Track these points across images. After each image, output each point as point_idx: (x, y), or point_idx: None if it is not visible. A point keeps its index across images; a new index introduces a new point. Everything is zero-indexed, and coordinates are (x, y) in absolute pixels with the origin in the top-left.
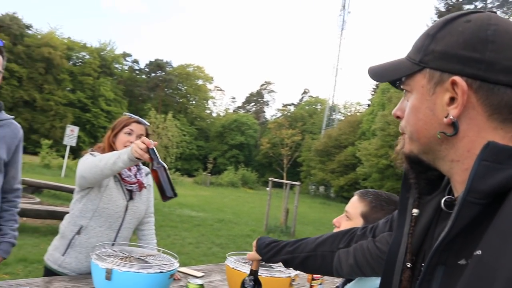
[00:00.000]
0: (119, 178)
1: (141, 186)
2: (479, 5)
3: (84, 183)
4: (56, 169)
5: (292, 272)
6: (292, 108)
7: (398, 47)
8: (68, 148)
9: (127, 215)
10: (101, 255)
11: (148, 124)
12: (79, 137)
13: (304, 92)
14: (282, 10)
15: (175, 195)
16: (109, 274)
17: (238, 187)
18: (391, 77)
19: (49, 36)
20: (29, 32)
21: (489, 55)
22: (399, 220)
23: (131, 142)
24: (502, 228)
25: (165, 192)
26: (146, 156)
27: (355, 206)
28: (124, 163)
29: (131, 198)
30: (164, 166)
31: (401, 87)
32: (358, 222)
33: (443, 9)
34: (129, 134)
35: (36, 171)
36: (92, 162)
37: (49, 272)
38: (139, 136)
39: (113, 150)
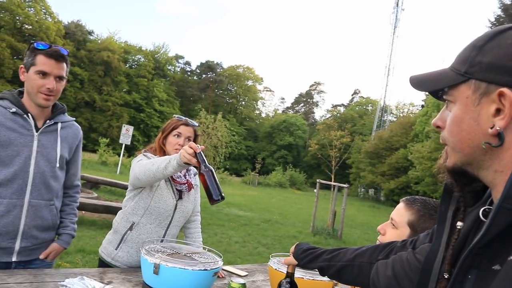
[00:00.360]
0: (170, 178)
1: (190, 186)
2: None
3: (138, 184)
4: (112, 166)
5: None
6: (342, 109)
7: (453, 47)
8: (123, 147)
9: (176, 214)
10: (150, 251)
11: (197, 124)
12: (133, 136)
13: (355, 93)
14: (332, 9)
15: (222, 198)
16: (156, 269)
17: (286, 188)
18: (434, 86)
19: (108, 41)
20: (91, 37)
21: None
22: (438, 230)
23: (180, 145)
24: None
25: (212, 196)
26: (194, 160)
27: (402, 214)
28: (174, 168)
29: (180, 197)
30: (211, 170)
31: (444, 97)
32: (405, 231)
33: (508, 1)
34: (178, 136)
35: (95, 167)
36: (146, 165)
37: (103, 264)
38: (187, 138)
39: (164, 151)
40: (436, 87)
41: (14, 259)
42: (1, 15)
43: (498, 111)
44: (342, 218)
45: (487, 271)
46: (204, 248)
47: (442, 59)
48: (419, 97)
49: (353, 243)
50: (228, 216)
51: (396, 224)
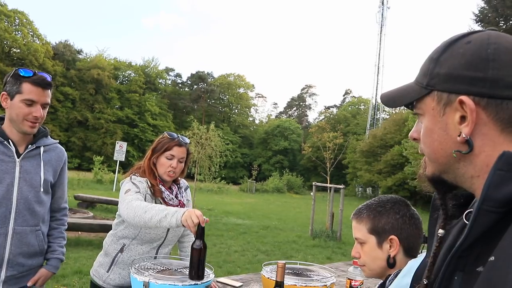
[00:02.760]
0: (161, 201)
1: (182, 206)
2: None
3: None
4: (108, 183)
5: (328, 281)
6: (334, 110)
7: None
8: (118, 163)
9: (169, 234)
10: (139, 269)
11: (188, 141)
12: (128, 151)
13: (346, 93)
14: (319, 11)
15: (200, 278)
16: (146, 287)
17: (284, 193)
18: (402, 102)
19: (97, 59)
20: (80, 56)
21: (492, 73)
22: (429, 243)
23: (173, 167)
24: None
25: (191, 273)
26: (194, 230)
27: (360, 228)
28: (170, 225)
29: None
30: (203, 248)
31: (414, 111)
32: (372, 240)
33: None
34: (171, 158)
35: (90, 186)
36: (136, 210)
37: (95, 287)
38: (180, 160)
39: (154, 172)
40: (404, 102)
41: None
42: None
43: (463, 118)
44: (340, 219)
45: (472, 273)
46: None
47: (430, 52)
48: None
49: (352, 243)
50: (226, 226)
51: (362, 239)
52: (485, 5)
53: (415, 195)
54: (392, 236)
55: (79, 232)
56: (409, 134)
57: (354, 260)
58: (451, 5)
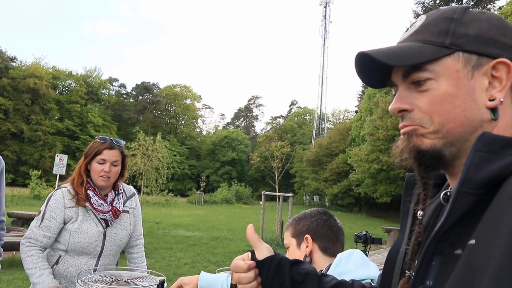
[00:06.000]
0: (91, 207)
1: (116, 213)
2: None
3: None
4: None
5: None
6: (281, 121)
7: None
8: (58, 177)
9: (106, 243)
10: (86, 281)
11: (123, 143)
12: (69, 165)
13: (292, 104)
14: (265, 24)
15: None
16: None
17: (233, 203)
18: (414, 59)
19: (34, 67)
20: (14, 64)
21: None
22: (402, 225)
23: (105, 171)
24: (494, 217)
25: None
26: None
27: (286, 235)
28: None
29: (108, 225)
30: None
31: (416, 74)
32: (293, 242)
33: (420, 12)
34: (102, 163)
35: (26, 203)
36: (25, 260)
37: None
38: (113, 164)
39: (83, 178)
40: (417, 60)
41: None
42: None
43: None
44: None
45: (450, 256)
46: (147, 272)
47: None
48: (352, 103)
49: None
50: (175, 238)
51: (287, 244)
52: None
53: (360, 201)
54: (307, 235)
55: (13, 252)
56: (392, 107)
57: None
58: (389, 21)
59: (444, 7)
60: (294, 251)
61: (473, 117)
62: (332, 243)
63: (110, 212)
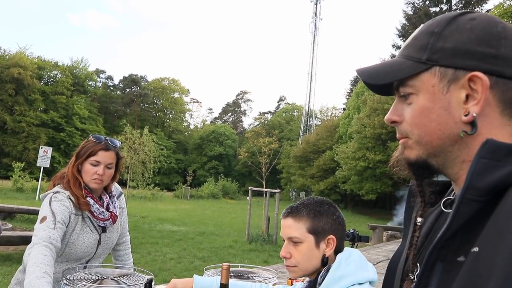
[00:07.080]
0: (89, 215)
1: (114, 219)
2: (444, 7)
3: None
4: (30, 192)
5: (270, 282)
6: (269, 116)
7: (370, 50)
8: (42, 170)
9: (99, 248)
10: (72, 280)
11: (118, 144)
12: (53, 157)
13: (280, 100)
14: (255, 19)
15: None
16: None
17: (219, 198)
18: (392, 77)
19: (18, 57)
20: None
21: (505, 51)
22: (405, 230)
23: (99, 174)
24: (498, 225)
25: None
26: None
27: (298, 227)
28: None
29: (103, 231)
30: None
31: (400, 89)
32: (310, 239)
33: (410, 12)
34: (96, 165)
35: (8, 195)
36: (28, 267)
37: None
38: (108, 166)
39: (79, 181)
40: (394, 78)
41: None
42: None
43: (467, 98)
44: (276, 223)
45: (453, 263)
46: (134, 270)
47: (360, 63)
48: (340, 101)
49: None
50: (161, 233)
51: (299, 239)
52: (406, 22)
53: (346, 197)
54: (331, 236)
55: None
56: (386, 118)
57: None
58: (378, 19)
59: (431, 20)
60: (311, 250)
61: (450, 131)
62: (343, 243)
63: (110, 219)
